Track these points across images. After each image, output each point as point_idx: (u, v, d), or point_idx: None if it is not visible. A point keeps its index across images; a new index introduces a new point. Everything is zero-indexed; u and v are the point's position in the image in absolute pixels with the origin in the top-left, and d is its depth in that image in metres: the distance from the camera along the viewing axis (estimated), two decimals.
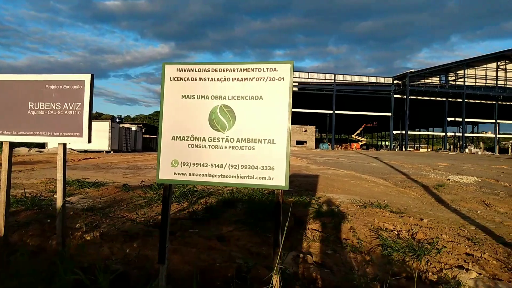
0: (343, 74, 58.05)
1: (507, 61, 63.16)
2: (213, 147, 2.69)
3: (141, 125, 52.26)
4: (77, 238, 4.11)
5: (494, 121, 66.73)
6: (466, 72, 60.70)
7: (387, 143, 68.15)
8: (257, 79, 2.66)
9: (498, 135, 73.02)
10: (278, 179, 2.63)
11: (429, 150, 79.91)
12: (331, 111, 57.74)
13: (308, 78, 56.34)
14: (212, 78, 2.72)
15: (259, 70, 2.66)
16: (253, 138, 2.66)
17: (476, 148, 76.31)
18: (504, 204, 7.64)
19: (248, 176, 2.64)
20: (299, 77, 55.93)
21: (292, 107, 2.65)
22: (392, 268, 3.76)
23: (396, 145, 66.88)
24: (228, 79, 2.70)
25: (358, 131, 78.63)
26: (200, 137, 2.71)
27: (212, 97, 2.71)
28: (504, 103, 64.92)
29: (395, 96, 59.87)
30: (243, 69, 2.68)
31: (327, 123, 65.91)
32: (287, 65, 2.63)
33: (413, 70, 58.57)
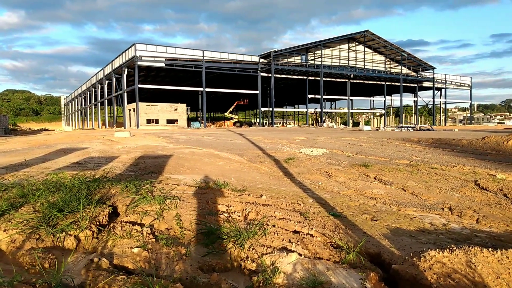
0: (212, 51, 57.31)
1: (356, 43, 70.78)
2: None
3: None
4: None
5: (347, 97, 74.54)
6: (323, 52, 66.09)
7: (258, 120, 70.64)
8: None
9: (351, 110, 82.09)
10: None
11: (295, 125, 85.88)
12: (202, 89, 56.92)
13: (175, 53, 54.03)
14: None
15: None
16: None
17: (333, 123, 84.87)
18: (344, 173, 7.98)
19: None
20: (166, 52, 53.30)
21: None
22: (209, 261, 3.23)
23: (266, 121, 69.78)
24: None
25: (231, 109, 79.69)
26: None
27: None
28: (355, 81, 72.92)
29: (262, 74, 61.89)
30: None
31: (199, 101, 65.01)
32: None
33: (277, 49, 61.15)
